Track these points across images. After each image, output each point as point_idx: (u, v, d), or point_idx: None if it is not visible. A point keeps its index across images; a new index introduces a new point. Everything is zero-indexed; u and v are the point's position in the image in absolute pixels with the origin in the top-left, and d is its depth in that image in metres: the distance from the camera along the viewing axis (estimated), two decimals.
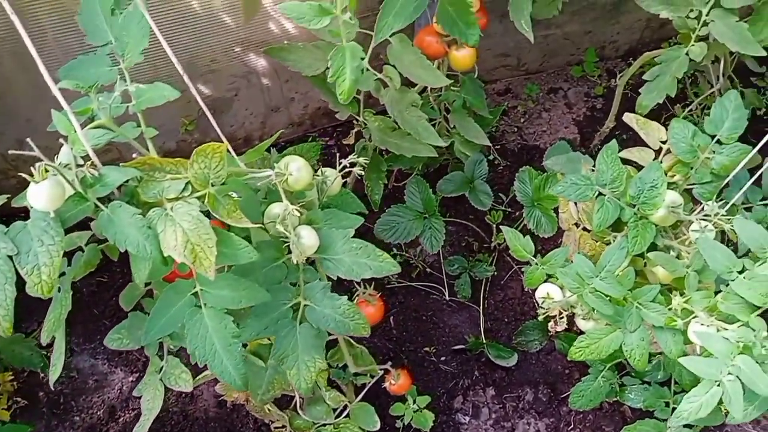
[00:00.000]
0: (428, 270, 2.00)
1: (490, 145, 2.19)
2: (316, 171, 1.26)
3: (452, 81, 1.75)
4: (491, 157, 2.18)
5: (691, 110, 2.00)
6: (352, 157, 1.22)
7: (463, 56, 1.59)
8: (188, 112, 1.96)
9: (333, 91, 1.57)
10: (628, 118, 1.35)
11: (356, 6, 0.85)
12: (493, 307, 1.94)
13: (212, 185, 0.87)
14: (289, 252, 1.01)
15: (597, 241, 1.35)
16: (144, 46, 0.96)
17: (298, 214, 0.98)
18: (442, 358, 1.86)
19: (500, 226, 1.46)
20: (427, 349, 1.87)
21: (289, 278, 1.03)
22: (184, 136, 2.03)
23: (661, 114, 2.22)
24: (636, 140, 1.65)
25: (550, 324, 1.37)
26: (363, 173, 1.14)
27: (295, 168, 1.00)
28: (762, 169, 1.28)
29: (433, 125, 1.82)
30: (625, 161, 1.32)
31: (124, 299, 1.04)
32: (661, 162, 1.26)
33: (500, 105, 2.28)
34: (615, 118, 2.02)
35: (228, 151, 0.95)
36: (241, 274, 0.96)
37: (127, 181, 0.88)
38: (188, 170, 0.86)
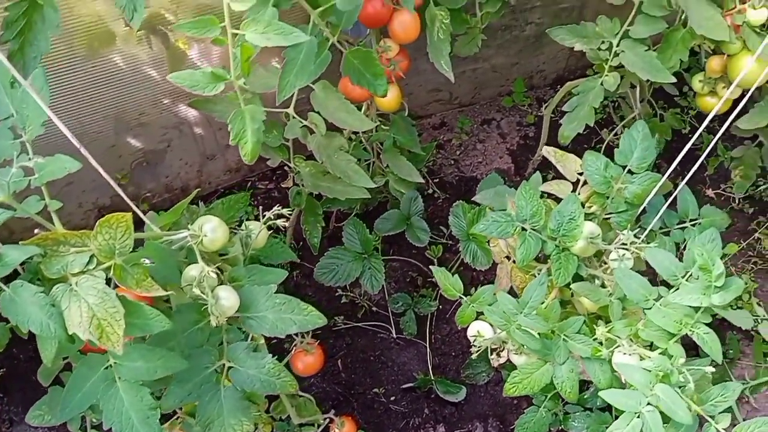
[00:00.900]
0: (374, 309, 1.99)
1: (428, 179, 2.23)
2: (241, 225, 1.26)
3: (381, 121, 1.79)
4: (430, 191, 2.20)
5: (616, 134, 2.06)
6: (276, 209, 1.22)
7: (388, 99, 1.61)
8: (120, 167, 1.94)
9: (265, 138, 1.59)
10: (546, 151, 1.39)
11: (249, 71, 0.86)
12: (440, 342, 1.95)
13: (119, 255, 0.86)
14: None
15: (527, 273, 1.37)
16: (45, 118, 0.95)
17: (215, 276, 0.97)
18: (392, 398, 1.85)
19: (431, 266, 1.48)
20: (376, 390, 1.86)
21: (211, 340, 1.02)
22: None
23: (591, 138, 2.30)
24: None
25: (492, 357, 1.38)
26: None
27: (210, 229, 1.00)
28: (676, 192, 1.33)
29: (367, 165, 1.85)
30: (547, 194, 1.36)
31: (42, 375, 1.01)
32: (579, 193, 1.29)
33: (436, 139, 2.33)
34: (546, 145, 2.07)
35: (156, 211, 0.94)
36: (160, 340, 0.94)
37: (31, 257, 0.86)
38: (92, 242, 0.84)
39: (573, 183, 1.34)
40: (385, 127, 1.83)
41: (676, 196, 1.35)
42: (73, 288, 0.83)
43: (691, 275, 1.06)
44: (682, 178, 1.38)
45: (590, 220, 1.25)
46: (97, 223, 0.86)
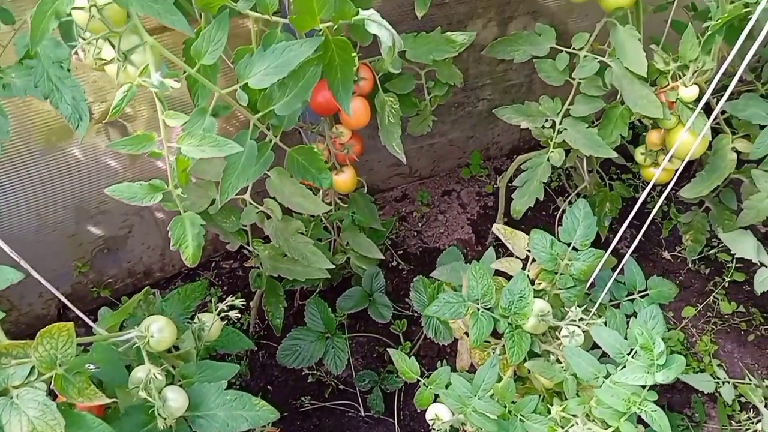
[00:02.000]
0: (341, 387, 1.97)
1: (392, 251, 2.25)
2: (194, 317, 1.26)
3: (341, 198, 1.82)
4: (394, 263, 2.23)
5: (570, 202, 2.12)
6: (230, 299, 1.23)
7: (343, 181, 1.65)
8: (81, 255, 1.93)
9: (220, 225, 1.61)
10: (496, 229, 1.42)
11: (186, 181, 0.89)
12: (409, 419, 1.92)
13: (60, 365, 0.85)
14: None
15: (484, 351, 1.39)
16: None
17: (162, 377, 0.97)
18: None
19: (397, 343, 1.48)
20: None
21: None
22: (79, 278, 1.99)
23: (548, 205, 2.36)
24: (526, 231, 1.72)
25: None
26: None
27: (157, 329, 1.00)
28: (622, 264, 1.36)
29: (328, 243, 1.87)
30: (499, 272, 1.38)
31: None
32: (529, 270, 1.32)
33: (398, 211, 2.37)
34: (503, 215, 2.12)
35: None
36: None
37: None
38: (33, 353, 0.84)
39: (523, 259, 1.37)
40: (345, 204, 1.87)
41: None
42: (14, 401, 0.82)
43: (636, 352, 1.08)
44: (636, 248, 1.43)
45: (541, 296, 1.28)
46: (38, 334, 0.86)
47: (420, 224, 2.34)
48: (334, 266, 1.56)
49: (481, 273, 1.25)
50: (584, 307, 1.22)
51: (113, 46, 0.77)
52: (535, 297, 1.26)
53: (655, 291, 1.39)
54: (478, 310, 1.24)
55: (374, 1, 1.77)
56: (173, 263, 2.14)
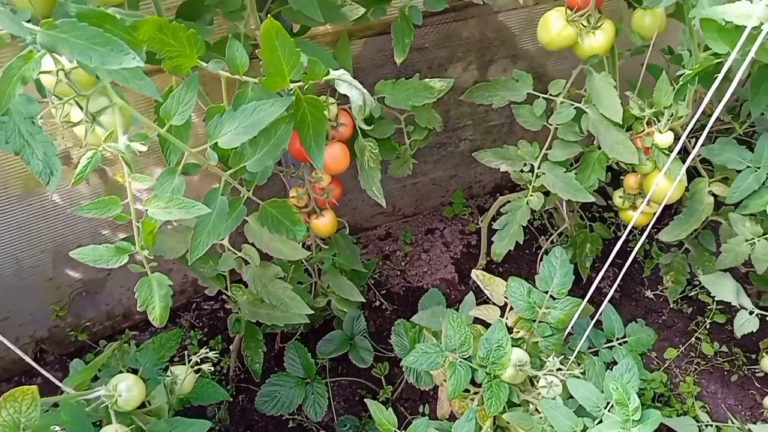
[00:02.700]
0: None
1: (375, 291, 2.24)
2: (167, 368, 1.24)
3: (323, 240, 1.82)
4: (377, 303, 2.21)
5: (553, 242, 2.13)
6: (204, 351, 1.21)
7: (323, 224, 1.64)
8: (58, 298, 1.91)
9: (200, 270, 1.60)
10: (474, 275, 1.42)
11: (153, 243, 0.89)
12: None
13: (24, 429, 0.83)
14: None
15: (463, 400, 1.37)
16: None
17: None
18: None
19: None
20: None
21: None
22: (57, 321, 1.96)
23: (532, 244, 2.36)
24: (510, 273, 1.71)
25: None
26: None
27: (125, 387, 0.98)
28: (600, 310, 1.36)
29: (309, 286, 1.86)
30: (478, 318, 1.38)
31: None
32: (507, 318, 1.31)
33: (381, 250, 2.36)
34: (486, 254, 2.12)
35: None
36: None
37: None
38: None
39: (501, 306, 1.37)
40: (326, 246, 1.87)
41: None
42: None
43: (612, 406, 1.08)
44: (618, 287, 1.43)
45: (519, 345, 1.27)
46: (1, 398, 0.84)
47: (403, 263, 2.33)
48: (313, 312, 1.54)
49: (459, 322, 1.24)
50: (562, 356, 1.21)
51: (81, 108, 0.77)
52: (513, 346, 1.25)
53: (634, 338, 1.39)
54: (456, 360, 1.23)
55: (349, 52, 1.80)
56: None
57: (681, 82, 1.29)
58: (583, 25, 1.50)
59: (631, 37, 1.54)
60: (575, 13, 1.48)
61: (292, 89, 0.86)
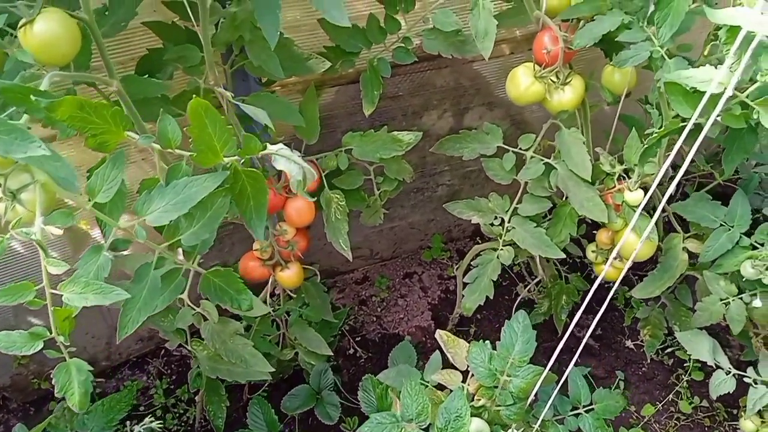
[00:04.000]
0: None
1: (350, 338, 2.19)
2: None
3: (291, 290, 1.78)
4: (351, 351, 2.16)
5: (530, 290, 2.09)
6: (147, 421, 1.17)
7: (288, 277, 1.61)
8: None
9: (159, 324, 1.56)
10: (438, 335, 1.38)
11: (70, 329, 0.85)
12: None
13: None
14: None
15: None
16: None
17: None
18: None
19: None
20: None
21: None
22: (19, 369, 1.91)
23: (511, 290, 2.32)
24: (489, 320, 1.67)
25: None
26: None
27: None
28: (565, 375, 1.32)
29: (278, 337, 1.81)
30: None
31: None
32: (468, 384, 1.27)
33: (358, 294, 2.32)
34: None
35: None
36: None
37: None
38: None
39: (464, 372, 1.32)
40: (294, 295, 1.83)
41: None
42: None
43: None
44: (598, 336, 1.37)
45: (479, 414, 1.23)
46: None
47: (379, 309, 2.29)
48: (274, 370, 1.49)
49: (417, 390, 1.19)
50: (525, 425, 1.17)
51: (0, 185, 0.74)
52: (473, 414, 1.21)
53: (601, 405, 1.34)
54: (413, 431, 1.18)
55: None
56: (120, 351, 2.07)
57: (646, 145, 1.26)
58: (552, 80, 1.48)
59: (601, 93, 1.52)
60: (543, 69, 1.46)
61: (228, 163, 0.83)
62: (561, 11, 1.46)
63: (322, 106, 1.85)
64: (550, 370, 1.25)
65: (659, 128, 1.35)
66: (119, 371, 2.09)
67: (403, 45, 1.54)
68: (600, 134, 1.65)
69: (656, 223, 2.16)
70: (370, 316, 2.27)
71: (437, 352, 1.50)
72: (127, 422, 1.43)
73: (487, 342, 1.25)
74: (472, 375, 1.29)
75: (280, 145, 0.83)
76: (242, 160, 0.82)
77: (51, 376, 1.97)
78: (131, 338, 2.10)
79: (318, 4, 1.05)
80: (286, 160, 0.80)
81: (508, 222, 1.61)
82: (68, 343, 0.89)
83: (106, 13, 1.21)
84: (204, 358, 1.56)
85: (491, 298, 1.63)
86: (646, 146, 1.25)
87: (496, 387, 1.25)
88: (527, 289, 2.09)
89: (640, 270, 2.25)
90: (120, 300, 0.74)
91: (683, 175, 2.76)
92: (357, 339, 2.20)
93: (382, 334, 2.23)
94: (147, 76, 1.28)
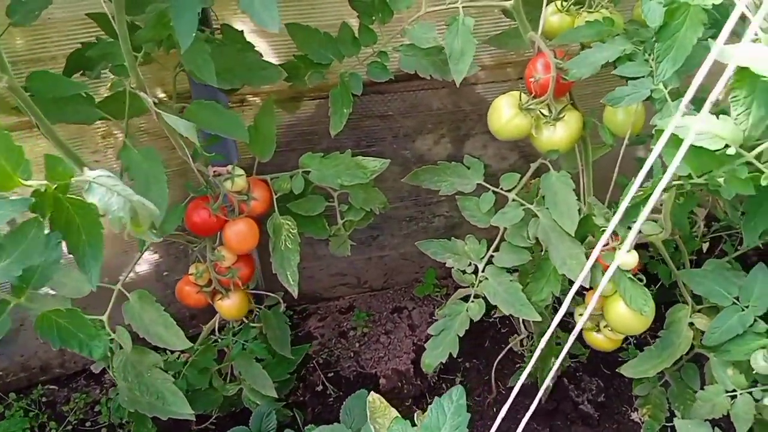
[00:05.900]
0: None
1: (321, 372, 2.01)
2: None
3: (247, 317, 1.62)
4: (320, 387, 1.98)
5: (512, 348, 1.86)
6: None
7: (228, 307, 1.45)
8: None
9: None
10: (370, 399, 1.18)
11: None
12: None
13: None
14: None
15: None
16: None
17: None
18: None
19: None
20: None
21: None
22: None
23: (508, 337, 2.08)
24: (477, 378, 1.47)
25: None
26: None
27: None
28: None
29: (222, 371, 1.65)
30: None
31: None
32: None
33: (340, 325, 2.14)
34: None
35: None
36: None
37: None
38: None
39: None
40: (254, 325, 1.66)
41: None
42: None
43: None
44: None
45: None
46: None
47: (359, 344, 2.09)
48: (192, 412, 1.33)
49: None
50: None
51: None
52: None
53: None
54: None
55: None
56: (75, 360, 1.95)
57: (629, 204, 1.03)
58: (542, 114, 1.27)
59: (601, 134, 1.29)
60: (533, 99, 1.25)
61: (43, 187, 0.66)
62: (560, 34, 1.24)
63: (302, 119, 1.69)
64: None
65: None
66: (74, 380, 1.98)
67: (378, 60, 1.36)
68: (600, 184, 1.42)
69: (660, 289, 1.89)
70: (347, 350, 2.08)
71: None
72: None
73: (408, 421, 1.04)
74: None
75: (99, 171, 0.66)
76: (56, 186, 0.66)
77: (1, 376, 1.86)
78: None
79: (246, 6, 0.89)
80: (106, 191, 0.64)
81: (482, 271, 1.39)
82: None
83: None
84: (123, 389, 1.40)
85: (455, 355, 1.42)
86: (629, 205, 1.01)
87: None
88: (520, 339, 1.86)
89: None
90: None
91: (725, 231, 2.42)
92: (329, 374, 2.02)
93: (357, 373, 2.04)
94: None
